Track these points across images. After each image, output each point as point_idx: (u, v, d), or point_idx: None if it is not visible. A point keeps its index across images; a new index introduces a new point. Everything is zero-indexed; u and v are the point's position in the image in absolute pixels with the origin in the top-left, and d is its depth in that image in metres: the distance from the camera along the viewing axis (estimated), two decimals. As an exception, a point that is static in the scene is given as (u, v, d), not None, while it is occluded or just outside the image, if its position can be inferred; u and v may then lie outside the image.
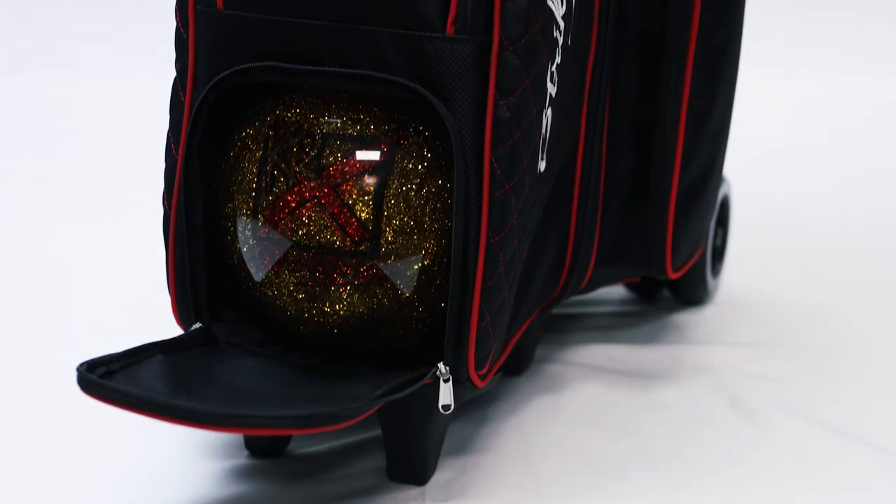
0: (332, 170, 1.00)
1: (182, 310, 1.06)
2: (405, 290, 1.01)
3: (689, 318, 1.39)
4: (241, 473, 1.05)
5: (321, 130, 1.01)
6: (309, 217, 1.00)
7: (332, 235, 0.99)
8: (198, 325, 1.05)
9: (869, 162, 2.01)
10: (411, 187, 1.00)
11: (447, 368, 0.99)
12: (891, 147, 2.07)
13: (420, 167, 1.00)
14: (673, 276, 1.25)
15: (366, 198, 0.99)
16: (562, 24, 1.01)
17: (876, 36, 2.33)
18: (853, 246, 1.64)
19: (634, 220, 1.21)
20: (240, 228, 1.03)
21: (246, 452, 1.08)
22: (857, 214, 1.77)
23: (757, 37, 1.77)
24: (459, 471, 1.06)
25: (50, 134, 2.04)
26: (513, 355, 1.15)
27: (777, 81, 2.21)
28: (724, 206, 1.43)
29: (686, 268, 1.27)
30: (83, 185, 1.83)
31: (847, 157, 2.03)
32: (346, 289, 1.00)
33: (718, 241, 1.43)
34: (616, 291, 1.44)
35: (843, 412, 1.17)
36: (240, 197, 1.03)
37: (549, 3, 0.98)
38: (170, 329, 1.07)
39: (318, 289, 1.01)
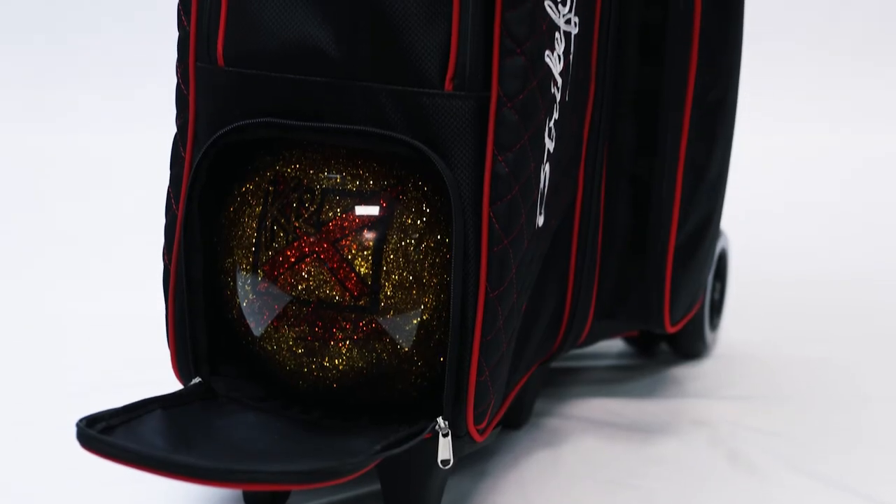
0: (332, 225, 1.00)
1: (182, 364, 1.06)
2: (404, 344, 1.01)
3: (688, 372, 1.39)
4: (240, 529, 1.05)
5: (320, 186, 1.01)
6: (308, 272, 1.00)
7: (331, 290, 1.00)
8: (197, 379, 1.05)
9: (866, 215, 2.02)
10: (410, 242, 1.00)
11: (446, 423, 0.99)
12: (888, 201, 2.07)
13: (419, 222, 1.00)
14: (671, 329, 1.25)
15: (365, 253, 1.00)
16: (559, 80, 1.02)
17: (872, 89, 2.35)
18: (852, 299, 1.64)
19: (632, 273, 1.21)
20: (239, 283, 1.03)
21: (245, 507, 1.08)
22: (856, 267, 1.77)
23: (754, 90, 1.79)
24: (459, 525, 1.06)
25: (49, 189, 2.05)
26: (512, 409, 1.15)
27: (775, 134, 2.22)
28: (722, 259, 1.44)
29: (684, 321, 1.28)
30: (83, 239, 1.83)
31: (845, 210, 2.03)
32: (345, 343, 1.01)
33: (716, 295, 1.43)
34: (614, 345, 1.44)
35: (843, 466, 1.17)
36: (239, 252, 1.03)
37: (547, 59, 0.99)
38: (169, 384, 1.08)
39: (317, 343, 1.01)
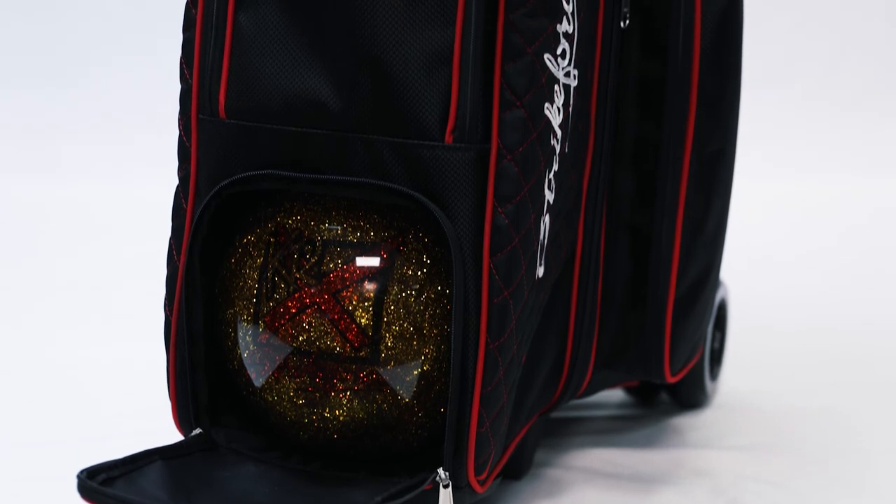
0: (333, 276, 1.00)
1: (182, 416, 1.06)
2: (405, 395, 1.01)
3: (688, 422, 1.39)
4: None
5: (321, 237, 1.02)
6: (309, 323, 1.00)
7: (332, 341, 1.00)
8: (198, 430, 1.05)
9: (866, 264, 2.02)
10: (411, 293, 1.00)
11: (447, 474, 0.99)
12: (887, 249, 2.08)
13: (419, 273, 1.01)
14: (671, 379, 1.25)
15: (366, 304, 1.00)
16: (559, 132, 1.03)
17: (872, 138, 2.36)
18: (853, 348, 1.64)
19: (632, 324, 1.22)
20: (240, 334, 1.04)
21: (245, 559, 1.07)
22: (857, 316, 1.77)
23: (752, 140, 1.79)
24: (459, 577, 1.05)
25: (50, 239, 2.05)
26: (512, 459, 1.15)
27: (773, 184, 2.23)
28: (722, 309, 1.44)
29: (684, 371, 1.28)
30: (84, 290, 1.84)
31: (845, 259, 2.04)
32: (345, 394, 1.01)
33: (716, 345, 1.44)
34: (615, 395, 1.44)
35: (843, 517, 1.17)
36: (240, 303, 1.04)
37: (547, 112, 1.00)
38: (170, 435, 1.07)
39: (317, 394, 1.01)
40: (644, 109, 1.18)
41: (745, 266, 1.80)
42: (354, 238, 1.01)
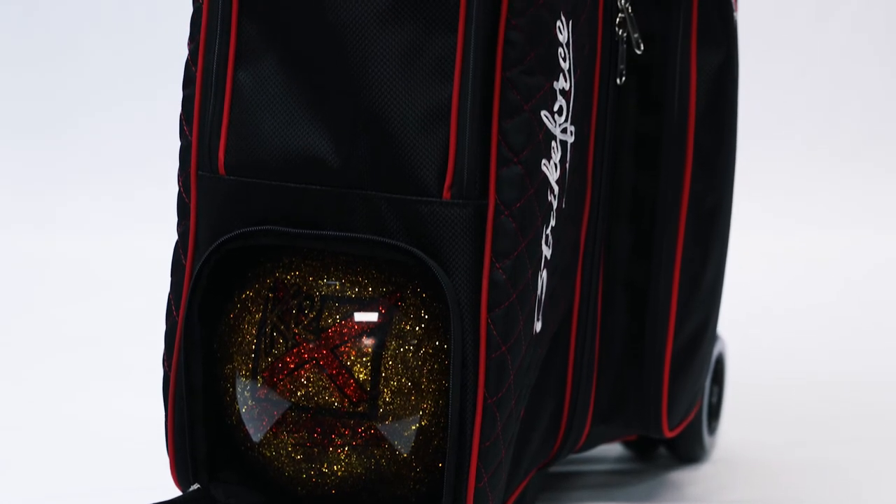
0: (331, 331, 1.01)
1: (180, 471, 1.06)
2: (403, 450, 1.01)
3: (687, 476, 1.39)
4: None
5: (320, 293, 1.02)
6: (308, 378, 1.01)
7: (330, 396, 1.00)
8: (196, 486, 1.05)
9: (865, 317, 2.02)
10: (409, 349, 1.01)
11: (445, 529, 0.99)
12: (886, 302, 2.08)
13: (417, 329, 1.01)
14: (669, 434, 1.25)
15: (364, 359, 1.00)
16: (556, 188, 1.03)
17: (868, 191, 2.36)
18: (852, 402, 1.64)
19: (630, 379, 1.22)
20: (239, 389, 1.04)
21: None
22: (856, 370, 1.77)
23: (751, 192, 1.80)
24: None
25: (47, 295, 2.06)
26: (510, 515, 1.14)
27: (771, 237, 2.23)
28: (720, 363, 1.44)
29: (682, 426, 1.28)
30: (82, 346, 1.84)
31: (843, 312, 2.04)
32: (343, 450, 1.01)
33: (714, 399, 1.44)
34: (613, 449, 1.44)
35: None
36: (239, 358, 1.04)
37: (544, 168, 1.01)
38: (168, 490, 1.07)
39: (316, 450, 1.01)
40: (641, 165, 1.19)
41: (744, 319, 1.80)
42: (353, 293, 1.02)
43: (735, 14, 1.22)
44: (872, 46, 2.46)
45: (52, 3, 2.43)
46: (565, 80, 1.03)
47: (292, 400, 1.01)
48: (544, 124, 1.00)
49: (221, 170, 1.04)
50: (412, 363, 1.00)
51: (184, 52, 1.07)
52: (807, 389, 1.69)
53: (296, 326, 1.02)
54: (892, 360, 1.82)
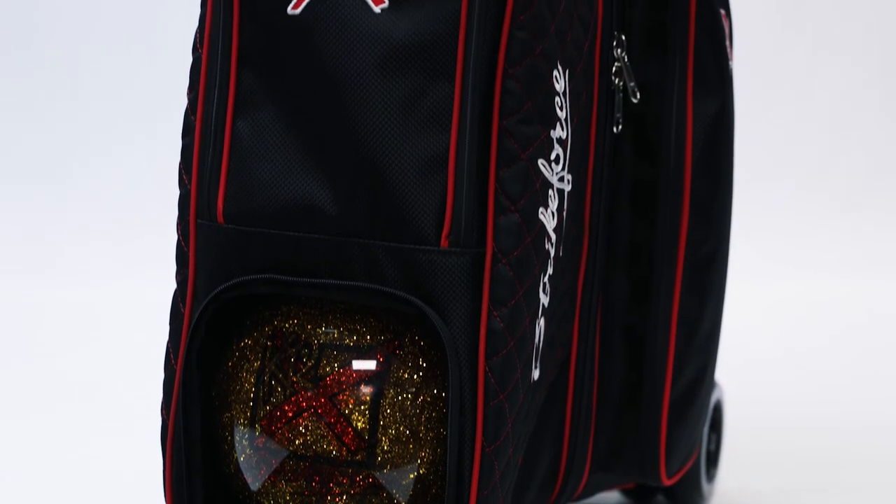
0: (329, 380, 1.01)
1: (179, 520, 1.06)
2: (401, 498, 1.01)
3: (686, 524, 1.38)
4: None
5: (318, 341, 1.02)
6: (306, 427, 1.01)
7: (328, 445, 1.00)
8: (194, 534, 1.05)
9: (863, 363, 2.02)
10: (407, 397, 1.01)
11: (443, 578, 0.98)
12: (885, 349, 2.08)
13: (415, 377, 1.01)
14: (667, 482, 1.25)
15: (362, 407, 1.00)
16: (553, 236, 1.04)
17: (865, 238, 2.37)
18: (851, 449, 1.64)
19: (628, 427, 1.22)
20: (237, 438, 1.04)
21: None
22: (855, 417, 1.77)
23: (747, 240, 1.81)
24: None
25: (45, 342, 2.06)
26: (509, 563, 1.14)
27: (769, 283, 2.23)
28: (717, 410, 1.44)
29: (680, 474, 1.28)
30: (81, 393, 1.83)
31: (842, 360, 2.04)
32: (342, 498, 1.01)
33: (712, 446, 1.43)
34: (611, 497, 1.44)
35: None
36: (237, 406, 1.04)
37: (541, 216, 1.01)
38: (166, 539, 1.07)
39: (314, 498, 1.01)
40: (637, 212, 1.19)
41: (742, 366, 1.80)
42: (351, 341, 1.02)
43: (731, 63, 1.23)
44: (871, 92, 2.47)
45: (55, 52, 2.45)
46: (562, 129, 1.03)
47: (290, 448, 1.01)
48: (541, 173, 1.01)
49: (220, 218, 1.04)
50: (410, 411, 1.00)
51: (183, 101, 1.07)
52: (805, 436, 1.69)
53: (294, 375, 1.02)
54: (892, 407, 1.82)
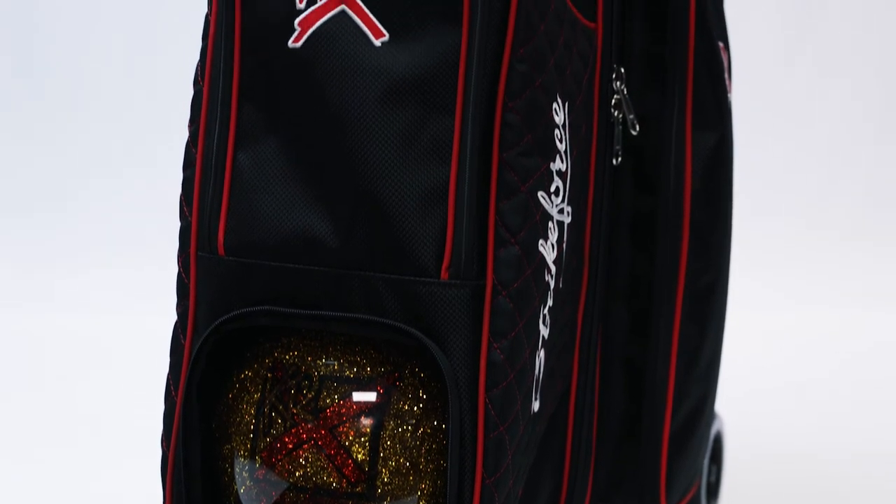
0: (329, 412, 1.01)
1: (179, 552, 1.06)
2: (401, 530, 1.01)
3: (686, 556, 1.38)
4: None
5: (318, 373, 1.02)
6: (306, 458, 1.01)
7: (328, 477, 1.00)
8: (194, 567, 1.05)
9: (864, 396, 2.02)
10: (407, 428, 1.01)
11: None
12: (885, 381, 2.08)
13: (416, 408, 1.01)
14: (668, 513, 1.25)
15: (362, 439, 1.00)
16: (553, 268, 1.04)
17: (866, 270, 2.37)
18: (851, 480, 1.64)
19: (628, 458, 1.22)
20: (237, 470, 1.04)
21: None
22: (855, 448, 1.77)
23: (747, 270, 1.81)
24: None
25: (45, 373, 2.06)
26: None
27: (767, 316, 2.23)
28: (718, 441, 1.44)
29: (681, 505, 1.28)
30: (81, 425, 1.83)
31: (843, 391, 2.04)
32: (342, 530, 1.01)
33: (712, 478, 1.43)
34: (612, 528, 1.44)
35: None
36: (237, 438, 1.04)
37: (541, 248, 1.01)
38: (166, 572, 1.07)
39: (314, 530, 1.01)
40: (637, 244, 1.20)
41: (742, 396, 1.80)
42: (351, 373, 1.02)
43: (729, 95, 1.23)
44: (871, 125, 2.48)
45: (56, 84, 2.45)
46: (562, 162, 1.03)
47: (290, 480, 1.01)
48: (541, 205, 1.01)
49: (221, 250, 1.04)
50: (410, 443, 1.00)
51: (184, 133, 1.08)
52: (805, 467, 1.69)
53: (294, 406, 1.02)
54: (892, 437, 1.82)
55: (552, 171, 1.02)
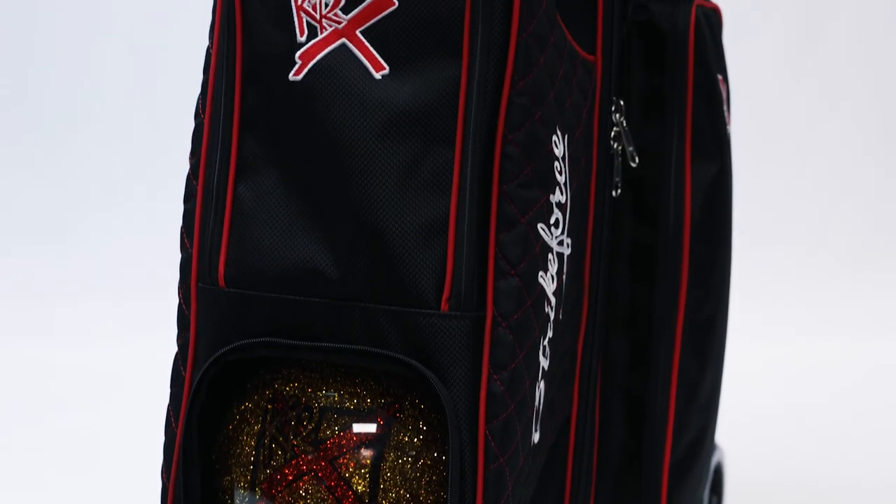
0: (330, 443, 1.01)
1: (179, 585, 1.06)
2: (401, 562, 1.01)
3: (687, 587, 1.38)
4: None
5: (318, 404, 1.02)
6: (306, 490, 1.01)
7: (328, 509, 1.00)
8: None
9: (864, 424, 2.02)
10: (407, 460, 1.01)
11: None
12: (885, 408, 2.08)
13: (416, 440, 1.01)
14: (668, 544, 1.25)
15: (362, 471, 1.00)
16: (553, 299, 1.04)
17: (865, 297, 2.37)
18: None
19: (628, 489, 1.22)
20: (237, 502, 1.04)
21: None
22: (855, 476, 1.77)
23: (747, 301, 1.81)
24: None
25: (46, 406, 2.05)
26: None
27: (766, 344, 2.23)
28: (718, 473, 1.44)
29: (681, 536, 1.27)
30: (81, 457, 1.83)
31: (844, 420, 2.03)
32: (342, 562, 1.01)
33: (713, 509, 1.43)
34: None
35: None
36: (238, 470, 1.04)
37: (541, 280, 1.01)
38: None
39: (314, 562, 1.01)
40: (637, 275, 1.20)
41: (741, 425, 1.80)
42: (351, 405, 1.02)
43: (728, 127, 1.24)
44: (871, 157, 2.49)
45: (56, 113, 2.46)
46: (561, 194, 1.04)
47: (291, 512, 1.01)
48: (541, 237, 1.01)
49: (221, 282, 1.04)
50: (410, 475, 1.00)
51: (185, 165, 1.08)
52: (805, 496, 1.68)
53: (294, 438, 1.02)
54: (892, 465, 1.82)
55: (552, 203, 1.02)
